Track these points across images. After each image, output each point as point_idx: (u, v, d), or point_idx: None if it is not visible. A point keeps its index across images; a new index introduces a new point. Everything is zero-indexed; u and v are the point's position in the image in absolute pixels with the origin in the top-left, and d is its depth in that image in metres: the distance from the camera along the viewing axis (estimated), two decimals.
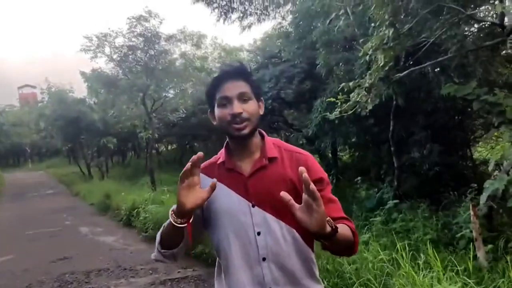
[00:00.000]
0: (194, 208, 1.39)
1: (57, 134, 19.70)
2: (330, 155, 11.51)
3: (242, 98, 1.52)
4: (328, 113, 6.46)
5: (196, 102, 14.93)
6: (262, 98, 1.63)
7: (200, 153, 1.37)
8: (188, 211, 1.39)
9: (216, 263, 1.67)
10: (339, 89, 6.05)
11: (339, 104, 6.15)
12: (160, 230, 1.55)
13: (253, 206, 1.52)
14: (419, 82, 7.64)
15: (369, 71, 5.68)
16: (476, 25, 6.60)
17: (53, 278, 6.13)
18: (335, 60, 7.97)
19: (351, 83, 5.78)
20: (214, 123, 1.60)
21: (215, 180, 1.42)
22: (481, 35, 6.43)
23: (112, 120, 17.15)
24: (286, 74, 10.04)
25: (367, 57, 5.46)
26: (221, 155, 1.64)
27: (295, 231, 1.54)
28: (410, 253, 3.87)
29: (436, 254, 3.25)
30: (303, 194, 1.29)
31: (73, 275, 6.19)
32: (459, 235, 5.73)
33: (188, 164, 1.36)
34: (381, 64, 5.53)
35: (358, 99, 5.90)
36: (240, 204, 1.53)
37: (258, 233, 1.52)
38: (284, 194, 1.31)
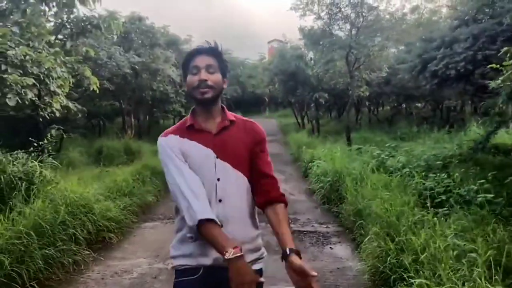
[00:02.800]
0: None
1: (279, 87, 21.53)
2: None
3: (209, 69, 1.87)
4: (491, 82, 5.64)
5: (398, 61, 14.28)
6: (227, 75, 1.98)
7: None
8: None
9: (176, 212, 1.98)
10: (499, 53, 5.22)
11: (504, 72, 5.32)
12: (204, 231, 1.74)
13: (217, 157, 1.88)
14: None
15: None
16: None
17: None
18: None
19: None
20: (187, 89, 1.95)
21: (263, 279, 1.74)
22: None
23: (325, 76, 17.79)
24: (488, 33, 8.82)
25: None
26: (187, 120, 1.97)
27: (246, 178, 1.93)
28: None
29: (479, 251, 2.81)
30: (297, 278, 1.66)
31: None
32: None
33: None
34: None
35: None
36: (208, 156, 1.89)
37: (218, 179, 1.87)
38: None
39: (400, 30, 15.50)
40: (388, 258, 3.52)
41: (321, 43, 15.69)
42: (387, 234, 4.01)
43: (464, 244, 3.30)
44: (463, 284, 2.62)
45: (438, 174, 7.37)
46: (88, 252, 4.94)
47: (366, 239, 4.19)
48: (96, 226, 5.39)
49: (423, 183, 6.91)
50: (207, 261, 1.84)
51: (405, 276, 3.12)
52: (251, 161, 1.95)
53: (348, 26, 14.31)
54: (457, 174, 7.03)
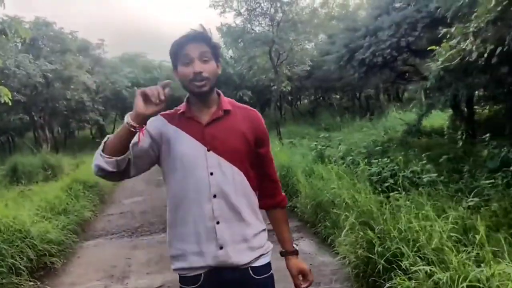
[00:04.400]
0: (151, 114, 1.56)
1: None
2: (465, 108, 10.36)
3: (203, 58, 1.69)
4: (432, 64, 5.79)
5: (322, 53, 14.59)
6: (220, 60, 1.80)
7: (169, 81, 1.58)
8: (144, 117, 1.54)
9: (168, 205, 1.83)
10: (439, 36, 5.36)
11: (443, 53, 5.46)
12: (105, 139, 1.65)
13: (208, 150, 1.72)
14: None
15: (476, 13, 4.90)
16: None
17: (162, 221, 6.77)
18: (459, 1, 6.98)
19: (453, 28, 5.07)
20: (177, 79, 1.76)
21: (168, 81, 1.58)
22: None
23: (248, 74, 17.70)
24: (409, 20, 9.16)
25: None
26: (182, 107, 1.80)
27: (243, 174, 1.76)
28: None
29: (483, 232, 2.77)
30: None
31: None
32: None
33: (161, 88, 1.53)
34: (492, 3, 4.73)
35: (464, 47, 5.16)
36: (196, 148, 1.72)
37: (211, 173, 1.71)
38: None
39: (314, 24, 15.84)
40: (376, 248, 3.38)
41: (239, 40, 15.62)
42: (364, 223, 3.90)
43: (454, 224, 3.25)
44: (476, 262, 2.53)
45: (380, 159, 7.50)
46: (32, 283, 4.32)
47: (345, 230, 4.02)
48: (36, 251, 4.76)
49: (369, 169, 6.99)
50: (205, 261, 1.72)
51: (404, 264, 2.98)
52: (251, 156, 1.80)
53: (268, 22, 14.34)
54: (400, 157, 7.19)
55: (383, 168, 7.11)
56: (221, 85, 19.48)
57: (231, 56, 19.28)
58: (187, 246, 1.74)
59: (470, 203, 4.98)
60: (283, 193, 1.94)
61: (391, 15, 9.66)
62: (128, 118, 1.55)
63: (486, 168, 7.26)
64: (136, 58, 27.31)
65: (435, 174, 6.34)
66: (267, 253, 1.83)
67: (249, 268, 1.75)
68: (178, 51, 1.71)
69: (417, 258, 2.93)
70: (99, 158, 1.58)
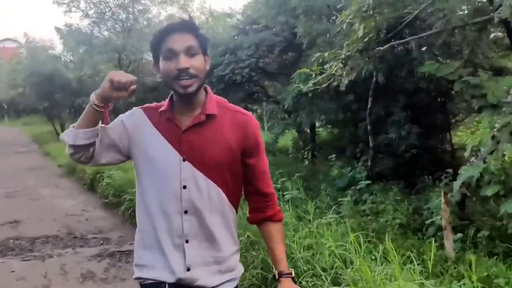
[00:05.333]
0: (117, 98, 1.45)
1: (31, 91, 18.97)
2: (308, 130, 11.17)
3: (189, 52, 1.46)
4: (301, 85, 6.07)
5: None
6: (208, 53, 1.57)
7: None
8: (109, 99, 1.46)
9: (137, 210, 1.65)
10: (313, 59, 5.64)
11: (313, 76, 5.76)
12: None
13: (183, 160, 1.53)
14: (402, 59, 7.24)
15: (347, 42, 5.28)
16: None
17: None
18: (317, 29, 7.51)
19: (326, 54, 5.38)
20: (159, 76, 1.56)
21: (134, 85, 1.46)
22: (470, 11, 6.01)
23: (88, 80, 16.46)
24: (267, 43, 9.57)
25: (344, 26, 5.02)
26: (164, 104, 1.59)
27: (221, 190, 1.57)
28: (366, 242, 3.52)
29: (393, 247, 2.91)
30: None
31: (18, 241, 5.78)
32: (428, 221, 5.52)
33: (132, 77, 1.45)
34: (360, 35, 5.12)
35: (333, 72, 5.51)
36: (171, 156, 1.53)
37: (184, 187, 1.52)
38: None
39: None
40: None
41: (77, 45, 14.52)
42: (254, 242, 3.77)
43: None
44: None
45: None
46: None
47: None
48: None
49: None
50: (170, 278, 1.56)
51: (308, 282, 2.92)
52: (235, 168, 1.59)
53: (118, 28, 13.63)
54: None
55: None
56: (56, 90, 17.74)
57: (70, 60, 17.75)
58: (154, 257, 1.58)
59: (330, 220, 5.26)
60: (278, 206, 1.70)
61: (249, 36, 9.95)
62: (92, 96, 1.45)
63: (336, 186, 7.89)
64: None
65: (297, 191, 6.61)
66: (237, 278, 1.66)
67: None
68: (158, 43, 1.49)
69: (320, 274, 2.91)
70: (67, 131, 1.51)
